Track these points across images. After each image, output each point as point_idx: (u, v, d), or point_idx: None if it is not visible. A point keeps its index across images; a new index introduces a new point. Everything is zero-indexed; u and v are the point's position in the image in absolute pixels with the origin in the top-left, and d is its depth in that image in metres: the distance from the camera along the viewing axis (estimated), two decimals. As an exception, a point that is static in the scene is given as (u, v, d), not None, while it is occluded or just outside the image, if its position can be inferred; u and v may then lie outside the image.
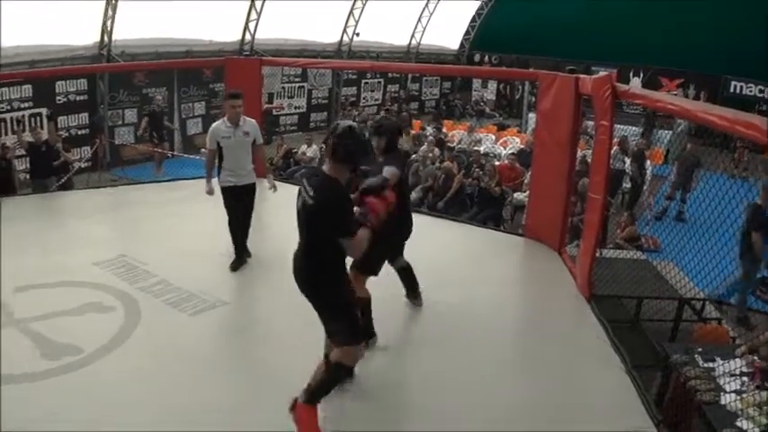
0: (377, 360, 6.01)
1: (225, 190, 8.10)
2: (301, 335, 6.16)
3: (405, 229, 6.52)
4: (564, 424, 5.31)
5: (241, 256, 8.28)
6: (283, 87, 23.08)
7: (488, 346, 6.49)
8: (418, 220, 10.23)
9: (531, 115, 20.80)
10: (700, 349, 6.07)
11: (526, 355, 6.46)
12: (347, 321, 4.92)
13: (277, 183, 8.44)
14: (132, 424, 5.21)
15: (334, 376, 5.00)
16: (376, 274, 6.17)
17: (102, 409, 5.27)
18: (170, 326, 6.69)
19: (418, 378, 5.94)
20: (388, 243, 6.25)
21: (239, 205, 8.13)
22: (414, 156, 15.42)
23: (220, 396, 5.52)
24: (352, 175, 4.86)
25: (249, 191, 8.19)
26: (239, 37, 21.27)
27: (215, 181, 8.22)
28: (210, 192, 8.25)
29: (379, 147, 6.14)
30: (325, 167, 4.84)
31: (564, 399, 5.65)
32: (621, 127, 14.03)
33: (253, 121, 8.20)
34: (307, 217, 4.77)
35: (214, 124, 8.11)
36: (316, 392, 4.95)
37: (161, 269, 7.96)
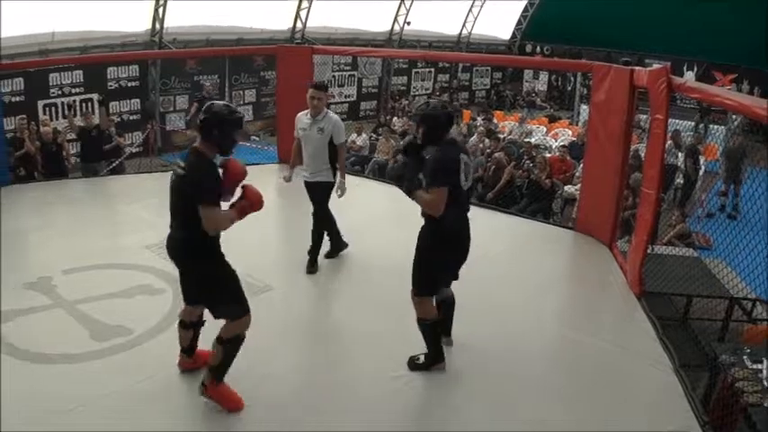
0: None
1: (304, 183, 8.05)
2: (345, 324, 6.20)
3: (460, 246, 5.76)
4: (608, 421, 5.26)
5: (314, 252, 8.05)
6: (334, 76, 23.11)
7: (534, 339, 6.50)
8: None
9: (584, 107, 20.58)
10: (748, 350, 5.99)
11: (572, 350, 6.42)
12: (229, 294, 5.21)
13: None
14: (178, 405, 5.34)
15: (233, 350, 5.25)
16: (435, 292, 5.88)
17: (148, 390, 5.32)
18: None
19: (461, 366, 5.95)
20: (442, 259, 5.69)
21: (312, 201, 8.02)
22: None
23: (263, 380, 5.60)
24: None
25: (317, 188, 7.91)
26: (290, 25, 21.31)
27: (296, 170, 8.13)
28: (286, 179, 8.18)
29: (421, 137, 5.58)
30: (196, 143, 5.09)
31: (609, 395, 5.61)
32: (674, 121, 13.85)
33: (335, 118, 7.84)
34: (177, 189, 5.05)
35: (300, 113, 7.95)
36: (220, 370, 5.27)
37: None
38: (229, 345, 5.21)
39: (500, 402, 5.48)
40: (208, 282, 5.20)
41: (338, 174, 7.89)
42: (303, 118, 7.85)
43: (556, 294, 7.62)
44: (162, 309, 6.48)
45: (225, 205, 5.07)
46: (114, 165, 13.49)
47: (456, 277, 5.97)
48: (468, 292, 7.17)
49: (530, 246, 8.98)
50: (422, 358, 5.89)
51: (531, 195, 12.46)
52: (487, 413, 5.34)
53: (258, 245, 8.37)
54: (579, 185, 10.57)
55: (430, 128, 5.51)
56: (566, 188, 12.58)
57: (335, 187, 7.88)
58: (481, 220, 9.62)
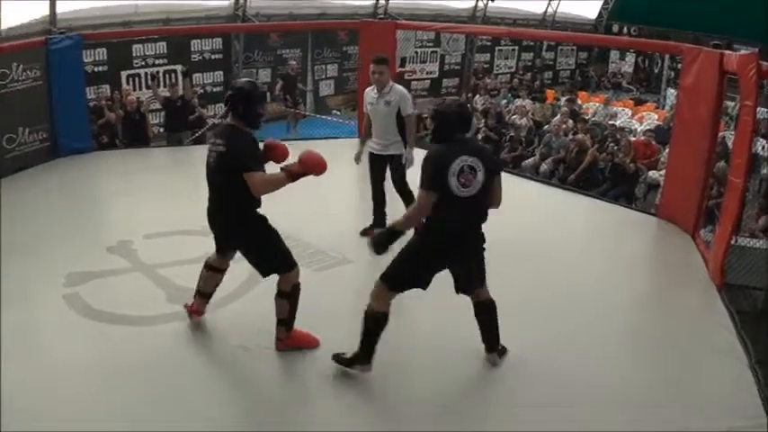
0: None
1: (369, 156, 8.10)
2: (426, 297, 6.18)
3: (446, 253, 5.34)
4: (675, 413, 5.16)
5: (376, 225, 8.08)
6: (416, 52, 22.94)
7: (607, 325, 6.41)
8: (548, 192, 10.26)
9: (671, 91, 20.14)
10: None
11: (646, 338, 6.34)
12: (274, 253, 5.62)
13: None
14: (249, 370, 5.52)
15: (296, 299, 5.69)
16: (401, 289, 5.39)
17: (221, 354, 5.38)
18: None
19: (531, 349, 5.88)
20: (420, 254, 5.30)
21: (379, 174, 8.07)
22: (546, 126, 15.18)
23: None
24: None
25: (390, 161, 8.00)
26: (374, 0, 21.24)
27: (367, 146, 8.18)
28: (356, 158, 8.26)
29: (431, 132, 5.54)
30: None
31: (679, 387, 5.52)
32: (762, 110, 13.46)
33: (400, 89, 7.88)
34: (218, 166, 5.40)
35: (367, 88, 8.01)
36: (290, 319, 5.73)
37: (289, 225, 8.02)
38: (291, 296, 5.65)
39: (567, 389, 5.40)
40: (253, 247, 5.64)
41: (409, 146, 7.93)
42: (370, 93, 7.94)
43: (633, 280, 7.47)
44: (237, 277, 6.52)
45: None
46: (197, 135, 13.68)
47: (425, 285, 5.43)
48: (543, 275, 7.15)
49: (610, 230, 8.85)
50: (348, 353, 5.52)
51: (614, 179, 12.21)
52: (556, 397, 5.28)
53: (336, 217, 8.39)
54: (664, 171, 10.36)
55: (439, 125, 5.31)
56: (650, 173, 12.31)
57: (403, 158, 7.92)
58: (561, 202, 9.65)
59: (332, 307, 6.29)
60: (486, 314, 5.64)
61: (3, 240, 7.76)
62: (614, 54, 28.25)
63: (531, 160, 13.99)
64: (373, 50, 9.88)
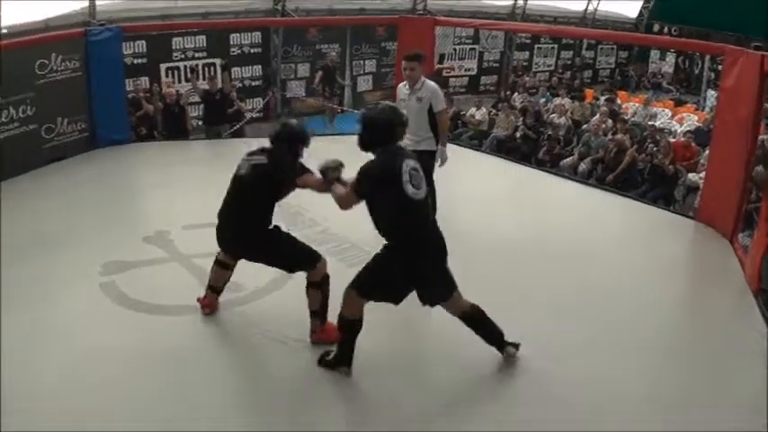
0: (537, 334, 5.88)
1: None
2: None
3: (414, 262, 5.20)
4: (705, 415, 5.13)
5: None
6: (455, 49, 22.84)
7: (640, 326, 6.34)
8: (586, 191, 10.20)
9: (710, 92, 19.92)
10: None
11: (678, 340, 6.31)
12: (297, 252, 5.86)
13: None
14: (284, 363, 5.58)
15: (327, 289, 5.84)
16: (371, 298, 5.30)
17: (256, 345, 5.41)
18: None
19: (563, 351, 5.84)
20: (391, 266, 5.21)
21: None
22: (585, 126, 15.07)
23: (367, 341, 5.56)
24: None
25: (422, 157, 7.91)
26: (413, -4, 21.20)
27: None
28: None
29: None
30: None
31: (710, 389, 5.48)
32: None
33: (432, 85, 7.89)
34: (254, 177, 5.73)
35: (400, 84, 8.04)
36: (323, 310, 5.83)
37: (324, 218, 8.08)
38: (322, 285, 5.81)
39: (597, 388, 5.39)
40: (274, 255, 5.90)
41: (441, 144, 7.96)
42: (403, 89, 8.01)
43: (668, 283, 7.37)
44: (272, 269, 6.55)
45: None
46: (235, 128, 13.76)
47: (398, 300, 5.36)
48: (577, 274, 7.11)
49: (647, 232, 8.76)
50: (331, 354, 5.57)
51: (652, 180, 12.08)
52: (585, 396, 5.29)
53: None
54: (703, 173, 10.25)
55: (365, 129, 5.23)
56: (689, 175, 12.17)
57: (436, 155, 7.91)
58: (599, 203, 9.58)
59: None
60: (475, 323, 5.55)
61: (40, 229, 7.87)
62: (654, 54, 27.97)
63: (569, 160, 13.87)
64: (412, 47, 9.88)
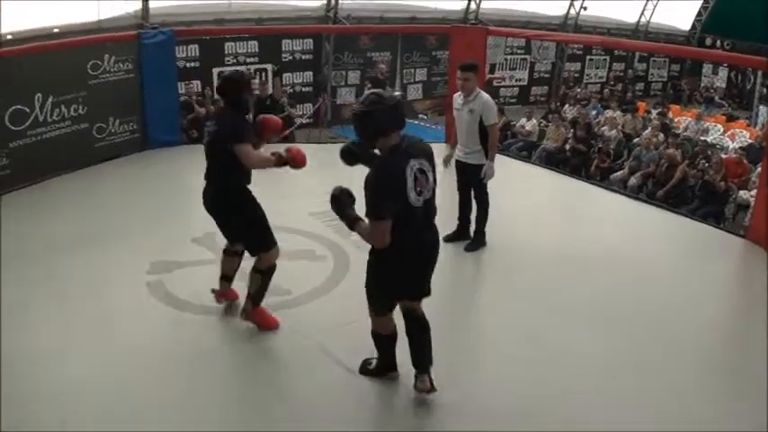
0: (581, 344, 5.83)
1: (454, 162, 8.05)
2: (494, 314, 6.14)
3: (414, 270, 5.00)
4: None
5: (459, 232, 8.14)
6: (506, 59, 22.82)
7: (680, 345, 6.21)
8: (635, 206, 10.08)
9: (763, 108, 19.66)
10: None
11: (718, 362, 6.14)
12: (258, 232, 5.96)
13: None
14: (330, 367, 5.59)
15: (268, 278, 6.00)
16: (388, 311, 5.09)
17: (302, 349, 5.42)
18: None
19: (596, 368, 5.77)
20: (387, 275, 4.93)
21: (463, 181, 8.02)
22: (636, 139, 14.93)
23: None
24: None
25: (470, 170, 7.86)
26: (464, 5, 21.16)
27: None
28: (444, 159, 8.12)
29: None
30: None
31: (749, 414, 5.28)
32: None
33: (485, 98, 7.72)
34: (210, 145, 5.86)
35: (456, 93, 7.93)
36: (258, 296, 6.02)
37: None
38: (265, 274, 6.00)
39: (628, 408, 5.29)
40: (241, 226, 6.00)
41: (489, 158, 7.77)
42: (457, 99, 7.87)
43: (712, 302, 7.20)
44: (322, 274, 6.62)
45: None
46: (285, 134, 13.80)
47: (391, 306, 5.09)
48: (619, 290, 7.02)
49: (694, 250, 8.59)
50: (373, 362, 5.48)
51: (703, 197, 11.93)
52: (615, 415, 5.18)
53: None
54: (754, 191, 10.09)
55: (360, 128, 4.70)
56: (740, 193, 12.02)
57: (483, 170, 7.77)
58: (648, 218, 9.46)
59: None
60: (418, 326, 5.16)
61: (89, 227, 7.98)
62: (707, 68, 27.63)
63: (619, 173, 13.78)
64: (463, 56, 9.85)
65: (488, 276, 7.72)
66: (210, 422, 5.02)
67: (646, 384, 5.58)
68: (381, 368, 5.42)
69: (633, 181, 13.22)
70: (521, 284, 7.16)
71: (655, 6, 25.73)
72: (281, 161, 5.69)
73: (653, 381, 5.62)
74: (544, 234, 8.43)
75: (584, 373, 5.68)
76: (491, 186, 7.85)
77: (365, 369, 5.50)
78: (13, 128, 10.13)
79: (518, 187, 9.93)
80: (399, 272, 4.86)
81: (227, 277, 6.48)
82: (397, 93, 19.77)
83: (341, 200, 4.82)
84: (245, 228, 6.01)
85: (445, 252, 7.71)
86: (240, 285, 6.45)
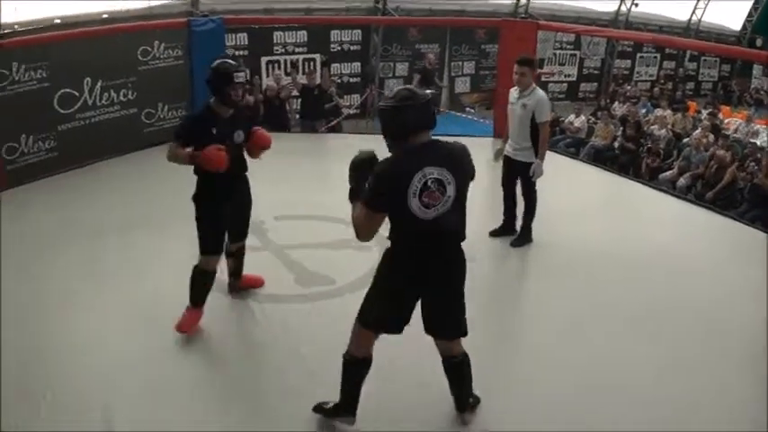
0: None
1: (504, 157, 7.98)
2: (542, 309, 6.08)
3: (415, 272, 4.37)
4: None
5: (506, 226, 8.09)
6: (555, 53, 22.65)
7: (720, 350, 6.10)
8: (683, 207, 9.95)
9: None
10: None
11: (759, 368, 5.91)
12: (201, 232, 5.96)
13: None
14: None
15: (196, 279, 5.97)
16: (375, 329, 4.55)
17: (343, 341, 5.43)
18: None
19: (637, 372, 5.66)
20: (387, 287, 4.48)
21: (509, 177, 7.94)
22: (686, 139, 14.75)
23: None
24: None
25: (519, 167, 7.78)
26: None
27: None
28: (495, 154, 8.13)
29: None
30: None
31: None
32: None
33: (540, 94, 7.59)
34: None
35: (512, 87, 7.84)
36: (192, 295, 5.98)
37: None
38: (196, 276, 6.00)
39: (667, 414, 5.20)
40: (196, 220, 6.00)
41: (539, 157, 7.67)
42: (513, 92, 7.78)
43: (758, 307, 7.04)
44: (366, 265, 6.56)
45: None
46: (332, 124, 13.86)
47: (399, 329, 4.52)
48: (668, 293, 6.92)
49: (740, 254, 8.41)
50: (330, 403, 4.81)
51: (752, 200, 11.73)
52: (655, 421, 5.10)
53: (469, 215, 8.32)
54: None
55: (393, 124, 4.23)
56: (790, 197, 11.83)
57: (531, 169, 7.67)
58: (695, 220, 9.34)
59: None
60: (456, 373, 4.77)
61: (136, 211, 8.05)
62: (757, 69, 27.22)
63: (668, 173, 13.64)
64: (513, 50, 9.80)
65: (533, 273, 7.64)
66: (260, 408, 5.07)
67: (692, 384, 5.53)
68: (339, 407, 4.76)
69: (682, 181, 13.09)
70: (566, 282, 7.10)
71: (706, 5, 25.35)
72: (192, 160, 5.76)
73: (700, 382, 5.57)
74: (591, 232, 8.36)
75: (629, 372, 5.63)
76: (539, 182, 7.78)
77: (320, 407, 4.88)
78: (62, 111, 10.29)
79: (565, 184, 9.84)
80: (383, 289, 4.47)
81: (233, 273, 6.61)
82: (443, 85, 19.79)
83: (362, 168, 4.36)
84: (197, 224, 6.03)
85: (490, 246, 7.77)
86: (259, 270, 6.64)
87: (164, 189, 9.10)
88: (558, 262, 7.60)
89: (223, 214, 6.01)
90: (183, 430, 4.79)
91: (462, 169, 4.27)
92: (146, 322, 6.09)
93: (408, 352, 4.81)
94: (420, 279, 4.34)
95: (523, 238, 7.99)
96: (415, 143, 4.17)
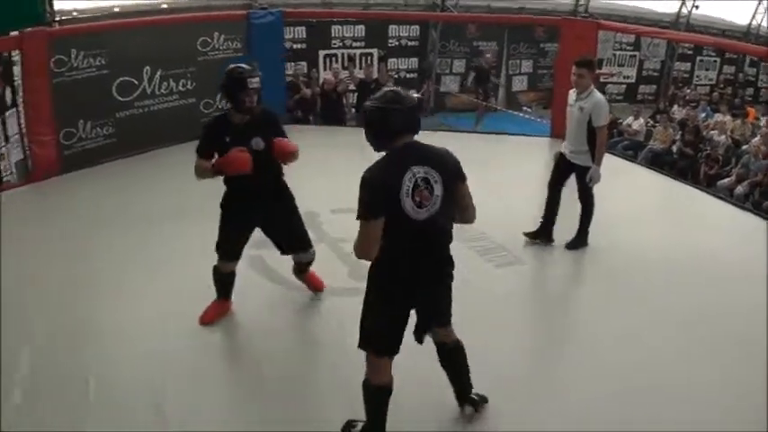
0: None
1: (558, 155, 7.89)
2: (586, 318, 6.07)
3: (408, 275, 4.29)
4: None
5: (543, 230, 7.96)
6: (614, 54, 22.41)
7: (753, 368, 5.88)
8: (739, 215, 9.81)
9: None
10: None
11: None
12: (220, 229, 6.00)
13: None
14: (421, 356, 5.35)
15: (215, 278, 6.05)
16: (380, 351, 4.41)
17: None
18: (478, 273, 6.97)
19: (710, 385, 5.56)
20: (380, 302, 4.38)
21: (557, 177, 7.85)
22: (745, 147, 14.54)
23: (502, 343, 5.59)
24: None
25: (576, 171, 7.67)
26: (574, -2, 20.97)
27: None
28: (556, 154, 8.02)
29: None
30: None
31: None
32: None
33: (598, 97, 7.42)
34: None
35: (571, 90, 7.70)
36: (215, 289, 6.05)
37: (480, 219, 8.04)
38: (213, 272, 6.08)
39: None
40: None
41: (596, 162, 7.51)
42: (572, 95, 7.64)
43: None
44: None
45: None
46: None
47: (395, 349, 4.40)
48: (720, 301, 6.81)
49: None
50: (359, 426, 4.68)
51: (809, 209, 11.54)
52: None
53: (517, 215, 8.29)
54: None
55: (369, 126, 4.24)
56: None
57: (588, 175, 7.54)
58: (750, 229, 9.20)
59: (509, 305, 6.35)
60: (452, 360, 4.74)
61: (190, 201, 8.20)
62: (812, 76, 26.73)
63: (726, 180, 13.47)
64: (573, 49, 9.75)
65: (589, 276, 7.61)
66: (310, 404, 5.14)
67: (744, 390, 5.45)
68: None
69: (740, 189, 12.90)
70: (621, 286, 7.03)
71: (766, 9, 24.92)
72: (218, 171, 5.76)
73: (750, 388, 5.47)
74: (648, 237, 8.27)
75: (684, 379, 5.58)
76: (597, 186, 7.70)
77: (348, 427, 4.78)
78: (121, 98, 10.50)
79: (622, 187, 9.75)
80: (377, 304, 4.40)
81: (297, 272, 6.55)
82: (500, 83, 19.73)
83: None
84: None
85: (544, 250, 7.75)
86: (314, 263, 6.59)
87: (219, 179, 9.19)
88: (614, 266, 7.53)
89: (244, 224, 6.00)
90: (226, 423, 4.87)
91: (447, 169, 4.19)
92: (196, 312, 6.13)
93: (408, 352, 4.80)
94: (412, 280, 4.27)
95: (579, 242, 7.89)
96: (398, 145, 4.16)
